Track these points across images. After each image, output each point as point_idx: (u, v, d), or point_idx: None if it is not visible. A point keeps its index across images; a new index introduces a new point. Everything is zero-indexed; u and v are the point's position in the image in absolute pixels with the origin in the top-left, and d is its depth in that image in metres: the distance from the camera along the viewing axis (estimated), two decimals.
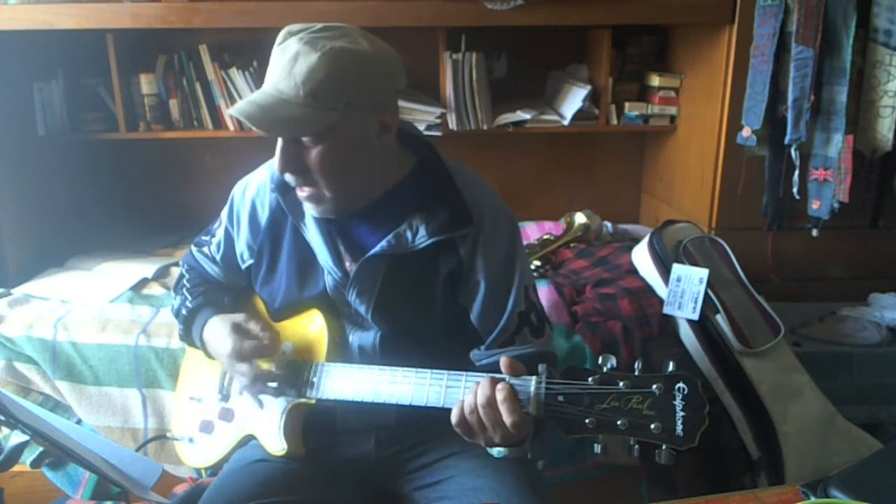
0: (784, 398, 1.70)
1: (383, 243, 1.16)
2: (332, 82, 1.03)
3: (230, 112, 1.09)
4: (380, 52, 1.09)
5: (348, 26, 1.10)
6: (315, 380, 1.18)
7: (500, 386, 0.99)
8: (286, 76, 1.04)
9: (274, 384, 1.20)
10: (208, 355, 1.30)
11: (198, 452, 1.34)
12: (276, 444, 1.21)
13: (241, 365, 1.18)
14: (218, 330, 1.24)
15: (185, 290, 1.36)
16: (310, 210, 1.18)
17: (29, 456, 1.49)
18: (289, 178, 1.13)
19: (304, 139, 1.08)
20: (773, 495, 0.99)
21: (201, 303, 1.31)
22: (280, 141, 1.10)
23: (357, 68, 1.05)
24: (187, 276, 1.39)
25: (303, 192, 1.14)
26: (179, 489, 1.44)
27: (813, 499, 0.95)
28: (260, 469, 1.21)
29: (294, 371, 1.21)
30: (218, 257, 1.35)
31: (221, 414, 1.32)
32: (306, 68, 1.03)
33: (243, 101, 1.07)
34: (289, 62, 1.04)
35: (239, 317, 1.23)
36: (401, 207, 1.18)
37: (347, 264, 1.20)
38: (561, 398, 0.96)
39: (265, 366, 1.20)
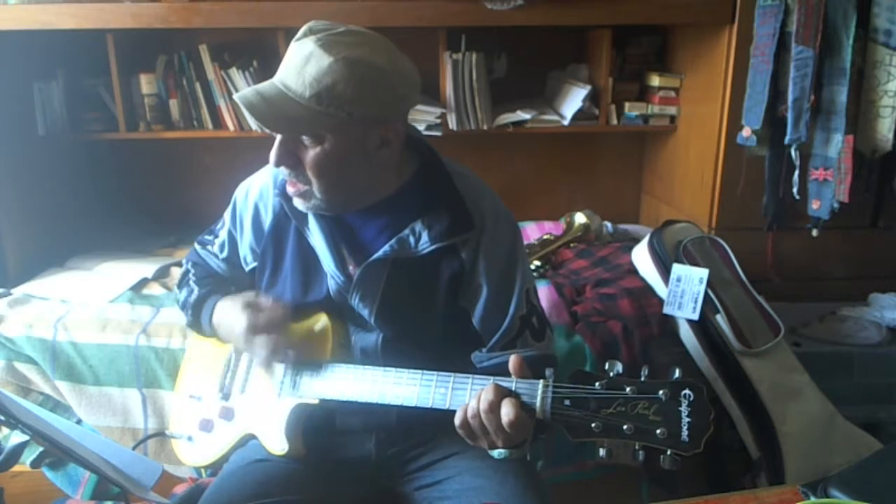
0: (784, 398, 1.70)
1: (386, 248, 1.16)
2: (338, 89, 1.03)
3: (235, 97, 1.09)
4: (396, 69, 1.07)
5: (376, 35, 1.10)
6: (318, 380, 1.18)
7: (503, 392, 1.00)
8: (296, 74, 1.05)
9: (291, 355, 1.18)
10: (219, 339, 1.30)
11: (196, 451, 1.34)
12: (277, 443, 1.21)
13: (259, 337, 1.17)
14: (229, 309, 1.24)
15: (191, 282, 1.37)
16: (298, 204, 1.17)
17: (29, 456, 1.49)
18: (283, 171, 1.14)
19: (304, 138, 1.08)
20: (773, 495, 0.99)
21: (209, 291, 1.32)
22: (279, 135, 1.10)
23: (366, 81, 1.04)
24: (192, 270, 1.39)
25: (293, 188, 1.15)
26: (179, 489, 1.44)
27: (813, 499, 0.95)
28: (260, 469, 1.21)
29: (297, 369, 1.21)
30: (222, 257, 1.36)
31: (222, 413, 1.31)
32: (316, 71, 1.03)
33: (249, 89, 1.08)
34: (302, 60, 1.04)
35: (249, 294, 1.23)
36: (403, 211, 1.17)
37: (351, 268, 1.20)
38: (567, 402, 0.96)
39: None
